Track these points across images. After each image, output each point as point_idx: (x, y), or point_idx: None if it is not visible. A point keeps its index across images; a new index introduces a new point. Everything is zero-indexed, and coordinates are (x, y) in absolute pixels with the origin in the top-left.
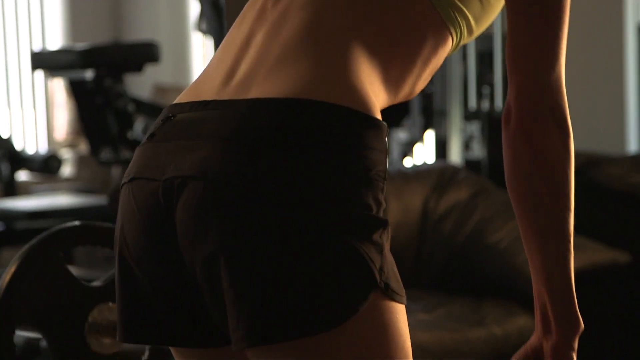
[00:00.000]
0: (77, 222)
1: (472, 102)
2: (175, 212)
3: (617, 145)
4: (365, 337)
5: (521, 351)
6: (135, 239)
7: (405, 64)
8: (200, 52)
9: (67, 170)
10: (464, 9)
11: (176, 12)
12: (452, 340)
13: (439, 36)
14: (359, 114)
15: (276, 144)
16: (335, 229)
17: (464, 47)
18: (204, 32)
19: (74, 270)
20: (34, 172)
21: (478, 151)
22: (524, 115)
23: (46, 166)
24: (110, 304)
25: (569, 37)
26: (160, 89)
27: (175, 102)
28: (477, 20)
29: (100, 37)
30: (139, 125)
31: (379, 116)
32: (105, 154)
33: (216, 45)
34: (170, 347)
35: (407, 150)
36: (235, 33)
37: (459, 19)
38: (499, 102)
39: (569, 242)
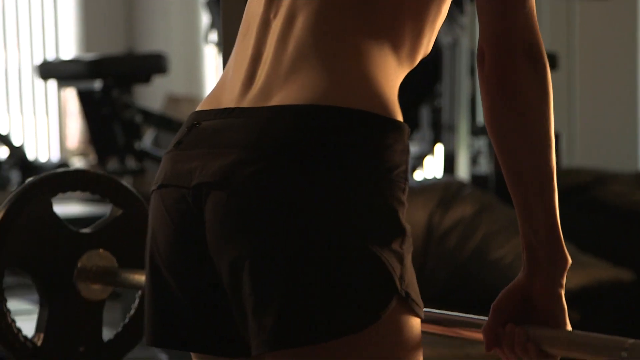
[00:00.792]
0: (65, 169)
1: (480, 117)
2: (204, 217)
3: (629, 162)
4: (384, 344)
5: (506, 292)
6: (166, 244)
7: (415, 35)
8: (213, 63)
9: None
10: None
11: (189, 23)
12: (454, 356)
13: None
14: (378, 118)
15: (296, 153)
16: (356, 236)
17: (473, 62)
18: (214, 43)
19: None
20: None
21: (485, 166)
22: (496, 56)
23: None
24: (101, 250)
25: (583, 55)
26: (173, 100)
27: (199, 108)
28: None
29: (113, 47)
30: (149, 137)
31: (398, 116)
32: (112, 164)
33: (226, 56)
34: (192, 354)
35: (417, 164)
36: (245, 39)
37: None
38: None
39: (552, 179)
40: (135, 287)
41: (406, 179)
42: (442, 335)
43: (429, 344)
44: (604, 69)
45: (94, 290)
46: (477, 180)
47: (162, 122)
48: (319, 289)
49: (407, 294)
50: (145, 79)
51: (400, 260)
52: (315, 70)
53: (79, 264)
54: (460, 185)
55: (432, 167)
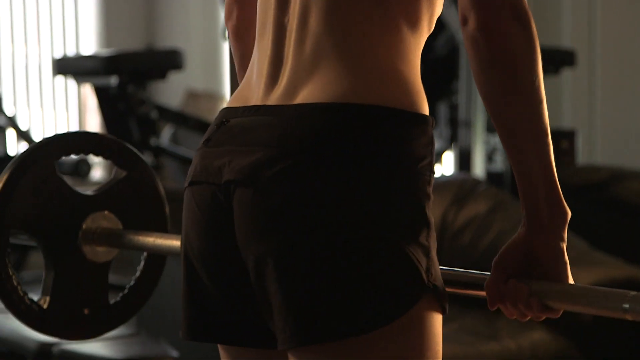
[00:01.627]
0: (68, 131)
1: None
2: (234, 212)
3: None
4: (409, 338)
5: (507, 247)
6: (198, 239)
7: (428, 8)
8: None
9: (97, 174)
10: None
11: (208, 19)
12: (465, 354)
13: None
14: (401, 113)
15: (320, 151)
16: (382, 230)
17: None
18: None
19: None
20: (64, 175)
21: (500, 163)
22: (481, 17)
23: (76, 170)
24: (106, 212)
25: (604, 53)
26: (192, 95)
27: (227, 105)
28: None
29: (133, 43)
30: (167, 133)
31: (422, 106)
32: None
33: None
34: (220, 347)
35: (435, 160)
36: (262, 39)
37: None
38: None
39: (546, 135)
40: (140, 248)
41: (432, 171)
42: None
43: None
44: (624, 66)
45: (99, 253)
46: (493, 177)
47: (178, 118)
48: (345, 284)
49: (434, 286)
50: (161, 75)
51: (427, 253)
52: (336, 66)
53: (84, 226)
54: (475, 182)
55: (450, 163)
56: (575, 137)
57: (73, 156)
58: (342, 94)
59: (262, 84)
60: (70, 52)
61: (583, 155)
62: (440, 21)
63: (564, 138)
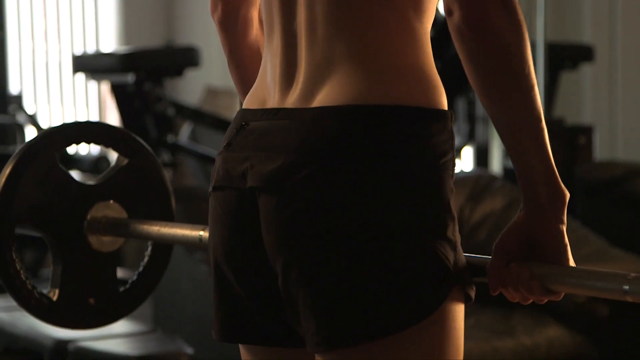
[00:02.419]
0: (66, 122)
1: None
2: (260, 217)
3: None
4: (439, 332)
5: (508, 231)
6: (226, 244)
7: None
8: None
9: None
10: None
11: None
12: (481, 350)
13: None
14: (420, 110)
15: (340, 155)
16: (410, 230)
17: None
18: None
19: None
20: (84, 173)
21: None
22: (466, 6)
23: (96, 167)
24: (110, 202)
25: (624, 49)
26: (212, 92)
27: (244, 107)
28: None
29: (153, 40)
30: (185, 131)
31: (440, 100)
32: None
33: None
34: (244, 347)
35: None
36: (272, 40)
37: None
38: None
39: (540, 120)
40: (145, 238)
41: (454, 165)
42: None
43: None
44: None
45: (105, 242)
46: (510, 173)
47: (196, 116)
48: (376, 285)
49: (461, 279)
50: (178, 72)
51: (454, 247)
52: (350, 67)
53: (88, 217)
54: (491, 178)
55: (468, 159)
56: (593, 132)
57: (92, 153)
58: (359, 95)
59: (277, 86)
60: (90, 50)
61: (604, 151)
62: None
63: (582, 134)
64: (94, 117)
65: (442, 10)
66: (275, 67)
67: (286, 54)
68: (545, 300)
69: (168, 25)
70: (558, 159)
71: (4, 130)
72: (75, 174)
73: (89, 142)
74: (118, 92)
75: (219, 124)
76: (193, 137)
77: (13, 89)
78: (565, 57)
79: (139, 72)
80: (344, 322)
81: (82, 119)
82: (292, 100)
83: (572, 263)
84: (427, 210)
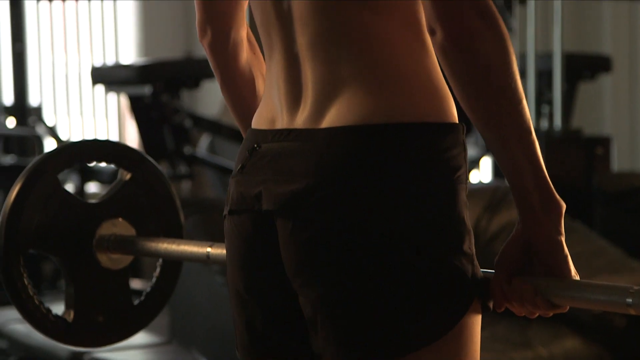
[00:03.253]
0: (65, 144)
1: (531, 121)
2: (278, 238)
3: None
4: (459, 345)
5: (506, 246)
6: (243, 266)
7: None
8: None
9: None
10: None
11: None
12: None
13: None
14: (431, 126)
15: (356, 177)
16: (428, 248)
17: (523, 65)
18: None
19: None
20: (103, 184)
21: None
22: (448, 24)
23: (115, 178)
24: (118, 219)
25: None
26: None
27: (254, 126)
28: None
29: (172, 52)
30: (204, 142)
31: (450, 113)
32: (163, 168)
33: None
34: None
35: (473, 167)
36: (272, 59)
37: None
38: (557, 122)
39: (530, 132)
40: (154, 255)
41: (467, 178)
42: None
43: None
44: None
45: (115, 260)
46: None
47: (213, 127)
48: (397, 304)
49: (479, 291)
50: (195, 84)
51: (471, 260)
52: (358, 86)
53: (97, 236)
54: (508, 189)
55: (486, 170)
56: (611, 143)
57: (112, 165)
58: (368, 114)
59: (284, 107)
60: (110, 62)
61: (624, 162)
62: None
63: (600, 144)
64: (114, 129)
65: None
66: (280, 88)
67: (290, 75)
68: (552, 314)
69: (187, 37)
70: (576, 169)
71: (23, 142)
72: (94, 186)
73: (89, 161)
74: (135, 103)
75: (237, 135)
76: (211, 148)
77: (33, 100)
78: (583, 67)
79: (156, 84)
80: (364, 343)
81: (102, 131)
82: (301, 120)
83: (573, 272)
84: (443, 226)
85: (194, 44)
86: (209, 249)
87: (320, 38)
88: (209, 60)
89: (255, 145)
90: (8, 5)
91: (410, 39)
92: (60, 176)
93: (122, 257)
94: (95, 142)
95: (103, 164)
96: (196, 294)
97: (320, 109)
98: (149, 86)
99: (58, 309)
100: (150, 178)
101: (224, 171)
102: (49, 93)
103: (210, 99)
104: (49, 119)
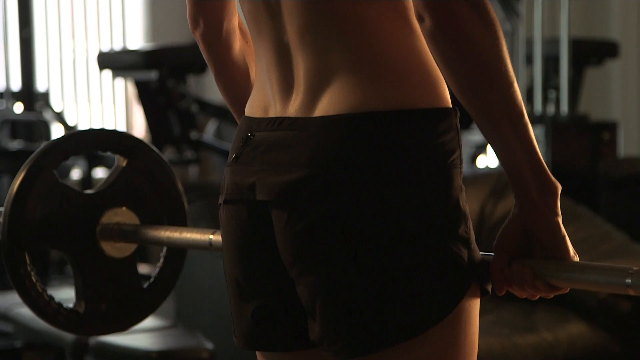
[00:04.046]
0: (58, 138)
1: (538, 106)
2: (273, 227)
3: None
4: (457, 329)
5: (504, 230)
6: (240, 255)
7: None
8: None
9: None
10: None
11: None
12: (501, 346)
13: None
14: (425, 112)
15: (351, 165)
16: (424, 234)
17: (530, 51)
18: None
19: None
20: (110, 169)
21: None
22: (437, 11)
23: None
24: (123, 208)
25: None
26: None
27: (247, 114)
28: None
29: (180, 37)
30: (211, 127)
31: (444, 96)
32: (169, 153)
33: None
34: (259, 353)
35: (478, 152)
36: (261, 37)
37: None
38: (564, 107)
39: (522, 116)
40: (156, 243)
41: (461, 161)
42: None
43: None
44: None
45: (119, 248)
46: None
47: (219, 112)
48: (394, 290)
49: (477, 275)
50: (201, 69)
51: (467, 244)
52: (349, 74)
53: (99, 226)
54: None
55: (493, 155)
56: (617, 128)
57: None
58: (362, 102)
59: (277, 95)
60: (117, 47)
61: (633, 147)
62: None
63: (606, 130)
64: (121, 114)
65: None
66: (271, 76)
67: (281, 64)
68: (552, 295)
69: None
70: (582, 154)
71: (31, 128)
72: (101, 171)
73: (86, 152)
74: (142, 89)
75: None
76: (218, 134)
77: (40, 86)
78: (590, 53)
79: (163, 69)
80: (363, 330)
81: (109, 116)
82: (294, 109)
83: (572, 253)
84: (438, 210)
85: None
86: (211, 236)
87: (309, 27)
88: (202, 52)
89: (249, 134)
90: None
91: (400, 25)
92: (69, 162)
93: (126, 245)
94: (88, 132)
95: None
96: (201, 279)
97: (312, 98)
98: (156, 71)
99: (66, 294)
100: (149, 164)
101: None
102: (56, 78)
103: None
104: (56, 104)
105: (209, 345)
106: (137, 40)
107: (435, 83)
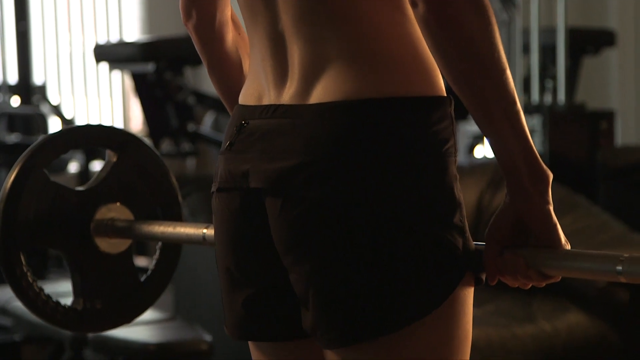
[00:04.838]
0: (47, 135)
1: (535, 96)
2: (267, 216)
3: None
4: (451, 318)
5: (496, 219)
6: (233, 243)
7: None
8: None
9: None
10: None
11: None
12: (499, 336)
13: None
14: (420, 100)
15: (345, 153)
16: (419, 222)
17: (527, 40)
18: None
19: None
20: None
21: (539, 145)
22: (430, 2)
23: None
24: (117, 203)
25: None
26: None
27: (242, 102)
28: None
29: (177, 29)
30: (208, 119)
31: (438, 85)
32: (167, 146)
33: None
34: (253, 345)
35: (476, 143)
36: (256, 26)
37: None
38: (561, 96)
39: (514, 102)
40: (150, 238)
41: (456, 149)
42: None
43: (474, 323)
44: None
45: (114, 244)
46: None
47: (217, 105)
48: (389, 279)
49: (471, 264)
50: (199, 61)
51: (462, 232)
52: (344, 61)
53: (93, 223)
54: None
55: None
56: (614, 118)
57: None
58: (356, 89)
59: (271, 83)
60: (113, 39)
61: (630, 136)
62: None
63: (604, 119)
64: (118, 107)
65: None
66: (265, 65)
67: (275, 52)
68: (544, 284)
69: None
70: (580, 144)
71: (28, 121)
72: (99, 164)
73: (75, 148)
74: (139, 81)
75: None
76: (216, 126)
77: (37, 79)
78: (587, 42)
79: (160, 61)
80: (357, 318)
81: (106, 109)
82: (288, 97)
83: (564, 241)
84: (432, 199)
85: None
86: (204, 231)
87: (304, 16)
88: (194, 44)
89: (243, 122)
90: None
91: (395, 14)
92: (66, 155)
93: (121, 240)
94: (77, 129)
95: None
96: (200, 271)
97: (307, 85)
98: (153, 64)
99: (65, 287)
100: (140, 158)
101: None
102: (53, 71)
103: None
104: (53, 97)
105: (208, 337)
106: (133, 32)
107: (429, 71)
